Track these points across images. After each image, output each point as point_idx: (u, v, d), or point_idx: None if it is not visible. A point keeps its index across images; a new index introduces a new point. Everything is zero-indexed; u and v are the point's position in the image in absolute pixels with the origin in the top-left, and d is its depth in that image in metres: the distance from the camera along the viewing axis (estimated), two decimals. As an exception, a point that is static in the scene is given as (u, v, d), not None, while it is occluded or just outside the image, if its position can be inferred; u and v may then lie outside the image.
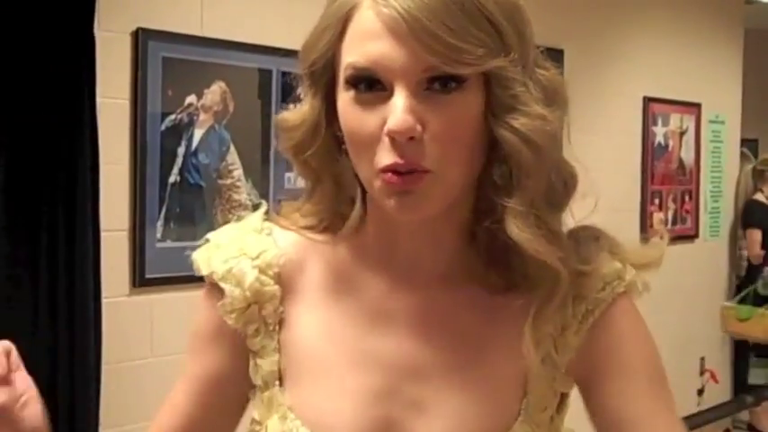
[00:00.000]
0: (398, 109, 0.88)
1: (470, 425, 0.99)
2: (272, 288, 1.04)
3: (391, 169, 0.90)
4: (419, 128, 0.89)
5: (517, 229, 0.93)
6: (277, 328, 1.05)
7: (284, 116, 1.01)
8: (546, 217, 0.95)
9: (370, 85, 0.90)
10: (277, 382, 1.04)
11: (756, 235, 5.83)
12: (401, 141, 0.89)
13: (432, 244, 1.00)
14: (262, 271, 1.04)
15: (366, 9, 0.90)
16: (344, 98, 0.93)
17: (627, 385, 1.00)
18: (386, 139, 0.90)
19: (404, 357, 1.00)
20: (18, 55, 2.66)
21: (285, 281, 1.05)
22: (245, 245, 1.05)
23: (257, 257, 1.05)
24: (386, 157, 0.90)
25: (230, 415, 1.10)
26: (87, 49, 2.79)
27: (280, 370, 1.04)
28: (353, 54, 0.91)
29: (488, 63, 0.89)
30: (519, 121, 0.91)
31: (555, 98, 0.96)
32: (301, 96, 1.01)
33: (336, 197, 1.03)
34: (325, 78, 0.97)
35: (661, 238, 1.06)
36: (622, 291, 1.02)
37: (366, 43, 0.90)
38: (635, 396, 1.00)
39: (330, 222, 1.05)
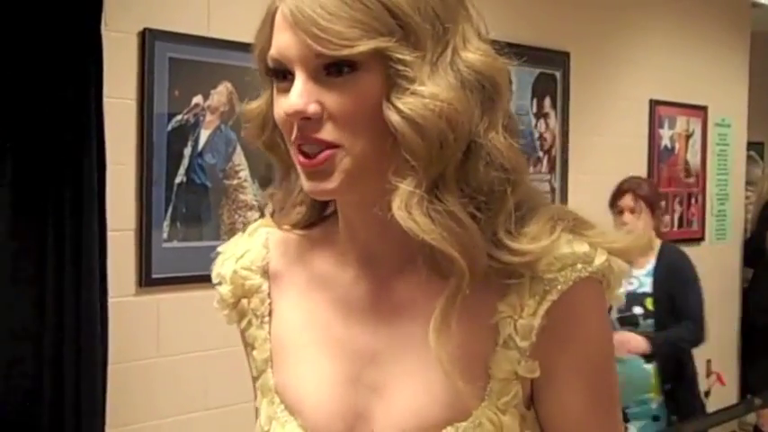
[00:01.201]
0: (292, 93, 0.94)
1: (429, 408, 1.00)
2: (257, 281, 1.13)
3: (300, 151, 0.96)
4: (313, 108, 0.94)
5: (395, 206, 0.93)
6: (267, 319, 1.12)
7: (245, 108, 1.08)
8: (446, 201, 0.93)
9: (284, 74, 0.97)
10: (270, 370, 1.11)
11: None
12: (299, 123, 0.95)
13: (381, 232, 1.01)
14: (245, 267, 1.14)
15: (283, 5, 0.96)
16: (274, 89, 1.00)
17: (564, 387, 0.99)
18: (294, 123, 0.96)
19: (364, 344, 1.04)
20: (25, 55, 2.67)
21: (273, 275, 1.13)
22: (236, 248, 1.16)
23: (242, 256, 1.15)
24: (293, 136, 0.96)
25: None
26: (94, 49, 2.79)
27: (271, 358, 1.11)
28: (271, 47, 0.98)
29: (365, 44, 0.91)
30: (403, 101, 0.92)
31: (479, 82, 0.95)
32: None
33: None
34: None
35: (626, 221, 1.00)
36: (586, 276, 0.98)
37: (276, 36, 0.97)
38: (569, 401, 0.99)
39: (318, 215, 1.11)
